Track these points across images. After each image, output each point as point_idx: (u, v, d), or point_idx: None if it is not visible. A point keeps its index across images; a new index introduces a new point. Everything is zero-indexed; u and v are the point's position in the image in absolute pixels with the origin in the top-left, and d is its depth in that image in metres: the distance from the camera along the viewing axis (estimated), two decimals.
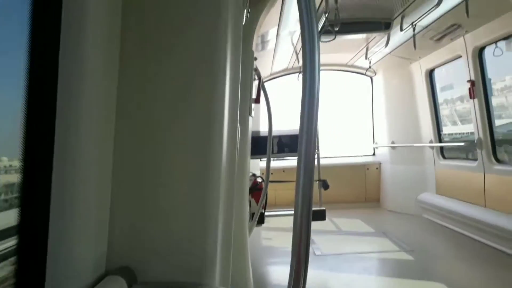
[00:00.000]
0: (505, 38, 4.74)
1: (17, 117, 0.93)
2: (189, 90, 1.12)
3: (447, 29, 5.10)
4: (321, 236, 5.56)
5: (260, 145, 4.24)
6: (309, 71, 0.89)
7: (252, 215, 3.82)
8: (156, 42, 1.12)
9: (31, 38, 0.93)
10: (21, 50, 0.93)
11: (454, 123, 6.57)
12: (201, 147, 1.12)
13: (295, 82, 7.44)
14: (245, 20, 2.22)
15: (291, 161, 7.52)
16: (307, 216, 0.90)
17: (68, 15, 0.91)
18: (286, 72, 8.22)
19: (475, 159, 5.58)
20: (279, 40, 5.64)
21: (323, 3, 4.26)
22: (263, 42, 5.51)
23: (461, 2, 4.07)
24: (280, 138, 5.21)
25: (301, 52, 5.28)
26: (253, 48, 3.17)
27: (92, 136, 0.98)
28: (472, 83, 5.36)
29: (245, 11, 2.16)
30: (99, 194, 1.05)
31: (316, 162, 5.55)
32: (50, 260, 0.91)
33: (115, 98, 1.09)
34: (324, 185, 5.20)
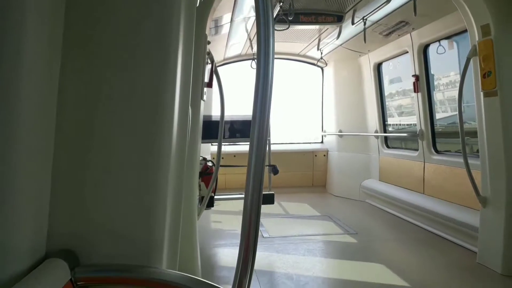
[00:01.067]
0: (448, 37, 5.03)
1: None
2: (137, 69, 1.08)
3: (395, 26, 5.31)
4: (269, 219, 5.70)
5: (212, 130, 4.26)
6: (263, 58, 0.90)
7: (201, 199, 3.85)
8: (100, 17, 1.06)
9: None
10: None
11: (400, 114, 6.90)
12: (150, 131, 1.09)
13: (248, 69, 7.47)
14: (199, 2, 2.19)
15: (242, 146, 7.60)
16: (257, 200, 0.92)
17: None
18: (240, 58, 8.21)
19: (416, 149, 5.91)
20: (233, 26, 5.63)
21: None
22: (217, 26, 5.47)
23: (410, 1, 4.26)
24: (232, 123, 5.24)
25: (255, 39, 5.32)
26: (207, 31, 3.17)
27: (30, 117, 0.94)
28: (417, 77, 5.64)
29: None
30: (38, 177, 1.00)
31: (266, 148, 5.58)
32: None
33: (57, 75, 1.04)
34: (274, 170, 5.31)
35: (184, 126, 1.25)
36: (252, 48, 6.98)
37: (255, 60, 7.07)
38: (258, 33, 0.92)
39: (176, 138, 1.17)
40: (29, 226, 0.98)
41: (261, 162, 0.92)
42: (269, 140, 5.58)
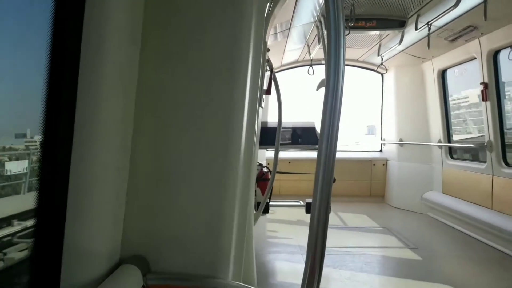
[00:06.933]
0: None
1: (39, 108, 0.94)
2: (211, 78, 1.09)
3: (462, 30, 5.04)
4: None
5: (268, 136, 4.25)
6: (333, 67, 0.87)
7: (257, 205, 3.85)
8: (178, 34, 1.09)
9: (53, 41, 0.93)
10: (43, 51, 0.93)
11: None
12: (221, 144, 1.10)
13: (304, 75, 7.39)
14: (267, 12, 2.18)
15: (297, 153, 7.56)
16: (324, 213, 0.89)
17: (90, 20, 0.91)
18: (297, 64, 8.18)
19: (484, 161, 5.56)
20: (291, 32, 5.62)
21: None
22: (276, 33, 5.49)
23: (479, 5, 4.03)
24: (289, 130, 5.22)
25: (313, 45, 5.22)
26: (266, 38, 3.17)
27: (110, 129, 0.98)
28: (485, 85, 5.32)
29: (268, 3, 2.12)
30: (116, 185, 1.04)
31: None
32: (66, 250, 0.93)
33: (135, 83, 1.07)
34: None
35: (251, 135, 1.25)
36: (310, 54, 6.93)
37: (312, 67, 7.05)
38: (328, 41, 0.89)
39: (244, 147, 1.17)
40: (107, 233, 1.03)
41: (330, 173, 0.88)
42: None
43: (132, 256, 1.09)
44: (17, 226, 2.88)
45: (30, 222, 0.99)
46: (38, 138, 0.96)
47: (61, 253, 0.93)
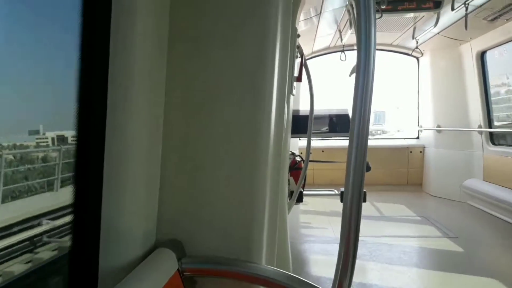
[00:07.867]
0: None
1: (71, 97, 0.97)
2: (237, 68, 1.09)
3: (503, 9, 4.79)
4: (362, 220, 5.49)
5: (300, 124, 4.19)
6: (363, 51, 0.86)
7: (290, 194, 3.81)
8: (202, 15, 1.09)
9: (82, 39, 0.96)
10: (72, 49, 0.96)
11: None
12: (251, 130, 1.11)
13: (335, 62, 7.26)
14: None
15: (330, 141, 7.47)
16: (357, 200, 0.88)
17: (118, 15, 0.93)
18: (328, 50, 8.05)
19: None
20: (322, 18, 5.51)
21: None
22: (306, 19, 5.41)
23: None
24: (322, 117, 5.14)
25: (344, 30, 5.13)
26: (296, 25, 3.11)
27: (143, 114, 1.00)
28: None
29: None
30: (150, 171, 1.07)
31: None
32: (103, 234, 0.96)
33: (164, 70, 1.09)
34: (366, 166, 5.11)
35: (281, 122, 1.25)
36: (341, 40, 6.79)
37: (345, 52, 6.92)
38: (358, 25, 0.87)
39: (274, 134, 1.17)
40: (142, 217, 1.06)
41: (362, 160, 0.87)
42: None
43: (167, 240, 1.12)
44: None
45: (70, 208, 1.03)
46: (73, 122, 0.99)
47: (99, 237, 0.97)
